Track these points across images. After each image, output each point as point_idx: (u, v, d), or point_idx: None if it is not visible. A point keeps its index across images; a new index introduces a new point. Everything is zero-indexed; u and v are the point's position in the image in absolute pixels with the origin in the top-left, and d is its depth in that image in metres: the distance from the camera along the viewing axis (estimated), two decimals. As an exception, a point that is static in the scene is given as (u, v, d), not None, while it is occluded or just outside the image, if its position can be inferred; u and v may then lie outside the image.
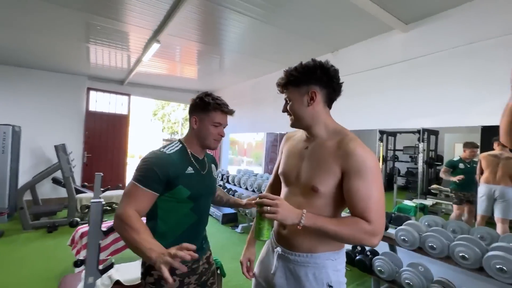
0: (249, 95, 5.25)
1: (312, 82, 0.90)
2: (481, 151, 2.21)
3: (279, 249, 0.94)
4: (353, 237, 0.79)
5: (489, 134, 2.11)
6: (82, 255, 2.24)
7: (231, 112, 1.11)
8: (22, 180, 4.14)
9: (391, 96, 2.70)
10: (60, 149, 3.52)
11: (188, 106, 1.12)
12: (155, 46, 3.09)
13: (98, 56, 4.08)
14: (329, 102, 0.95)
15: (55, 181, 4.01)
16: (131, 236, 0.81)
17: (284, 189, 1.02)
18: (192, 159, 1.07)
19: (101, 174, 1.87)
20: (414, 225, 2.09)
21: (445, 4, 2.19)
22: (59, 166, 3.50)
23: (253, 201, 0.89)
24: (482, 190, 2.19)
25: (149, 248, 0.77)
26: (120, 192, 4.16)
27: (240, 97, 5.58)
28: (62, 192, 4.81)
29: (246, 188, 4.16)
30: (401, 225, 2.15)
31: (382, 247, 2.36)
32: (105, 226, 1.11)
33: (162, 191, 0.97)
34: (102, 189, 1.94)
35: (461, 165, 2.35)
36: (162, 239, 0.91)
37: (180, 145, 1.08)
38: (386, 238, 2.24)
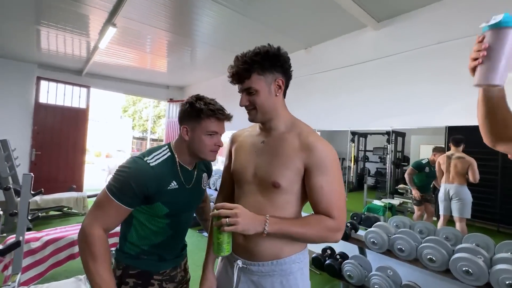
0: (221, 92, 5.01)
1: (277, 69, 0.82)
2: (447, 151, 2.23)
3: (239, 262, 0.83)
4: (319, 237, 0.76)
5: (453, 134, 2.14)
6: (10, 271, 1.87)
7: (228, 118, 0.97)
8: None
9: (363, 95, 2.66)
10: (-4, 145, 3.02)
11: (178, 112, 1.01)
12: (111, 31, 2.76)
13: (51, 41, 3.62)
14: (285, 91, 0.88)
15: (-9, 182, 3.46)
16: (88, 262, 0.78)
17: (238, 190, 0.90)
18: (179, 170, 0.95)
19: (31, 174, 1.55)
20: (383, 227, 2.04)
21: (416, 2, 2.17)
22: (-6, 165, 3.01)
23: (210, 214, 0.77)
24: (440, 190, 2.23)
25: (99, 286, 0.76)
26: (72, 194, 3.71)
27: (211, 94, 5.25)
28: (2, 196, 4.22)
29: (216, 189, 3.94)
30: (371, 226, 2.10)
31: (352, 249, 2.29)
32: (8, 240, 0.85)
33: (137, 205, 0.88)
34: (32, 192, 1.63)
35: (427, 169, 2.37)
36: (134, 247, 0.93)
37: (169, 153, 0.94)
38: (356, 241, 2.17)
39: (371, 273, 1.92)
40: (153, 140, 15.76)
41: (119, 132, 21.31)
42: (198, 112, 0.90)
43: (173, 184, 0.91)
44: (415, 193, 2.43)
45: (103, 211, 0.82)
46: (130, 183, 0.82)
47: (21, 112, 4.44)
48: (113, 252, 1.02)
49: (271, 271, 0.80)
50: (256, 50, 0.80)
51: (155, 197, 0.87)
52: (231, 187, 0.96)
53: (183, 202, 0.96)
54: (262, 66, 0.79)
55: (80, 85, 5.04)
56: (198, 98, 0.94)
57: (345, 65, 2.83)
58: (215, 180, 4.01)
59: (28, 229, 3.34)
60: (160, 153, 0.92)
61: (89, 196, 3.85)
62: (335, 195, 0.77)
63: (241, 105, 0.86)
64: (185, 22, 2.84)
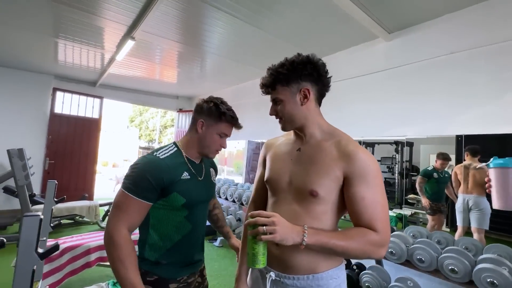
0: (230, 102, 5.03)
1: (303, 78, 0.82)
2: (457, 161, 2.22)
3: (272, 274, 0.79)
4: (362, 251, 0.71)
5: (466, 143, 2.13)
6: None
7: (239, 128, 1.09)
8: (-33, 189, 3.61)
9: (374, 105, 2.69)
10: (14, 155, 3.09)
11: (195, 106, 1.07)
12: (129, 44, 2.86)
13: (67, 53, 3.75)
14: (320, 99, 0.89)
15: (7, 190, 3.53)
16: (116, 266, 0.81)
17: (272, 199, 0.88)
18: (188, 163, 1.00)
19: (55, 181, 1.60)
20: (401, 237, 2.01)
21: (427, 14, 2.22)
22: (12, 173, 3.07)
23: (245, 223, 0.73)
24: (458, 200, 2.20)
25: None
26: (85, 203, 3.75)
27: (221, 104, 5.41)
28: (15, 204, 4.27)
29: (226, 198, 3.94)
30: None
31: (369, 260, 2.25)
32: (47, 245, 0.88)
33: (155, 199, 0.90)
34: (56, 199, 1.67)
35: (435, 175, 2.38)
36: (154, 251, 0.93)
37: (175, 148, 1.01)
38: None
39: (390, 284, 1.88)
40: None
41: (125, 142, 21.57)
42: (220, 114, 1.00)
43: (186, 175, 0.96)
44: (425, 201, 2.41)
45: (124, 211, 0.84)
46: (146, 176, 0.85)
47: (37, 122, 4.57)
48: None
49: (307, 286, 0.76)
50: (283, 61, 0.83)
51: (170, 187, 0.90)
52: (264, 196, 0.94)
53: (197, 193, 0.99)
54: (287, 76, 0.81)
55: (94, 96, 5.18)
56: (222, 102, 1.05)
57: (357, 75, 2.87)
58: (225, 189, 4.01)
59: (42, 237, 3.36)
60: (167, 149, 0.99)
61: (101, 205, 3.88)
62: (378, 207, 0.73)
63: (270, 115, 0.88)
64: (196, 32, 2.88)
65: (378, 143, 2.94)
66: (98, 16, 2.56)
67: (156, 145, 16.11)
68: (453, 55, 2.12)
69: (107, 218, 4.11)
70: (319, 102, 0.88)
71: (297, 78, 0.81)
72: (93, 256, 2.23)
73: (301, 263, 0.76)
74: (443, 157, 2.33)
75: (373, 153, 3.05)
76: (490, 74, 1.93)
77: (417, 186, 2.46)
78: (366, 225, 0.72)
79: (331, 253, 0.74)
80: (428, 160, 2.55)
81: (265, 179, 0.91)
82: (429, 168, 2.42)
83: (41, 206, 3.47)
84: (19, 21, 2.75)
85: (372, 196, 0.73)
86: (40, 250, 0.80)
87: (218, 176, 5.57)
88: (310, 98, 0.83)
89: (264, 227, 0.66)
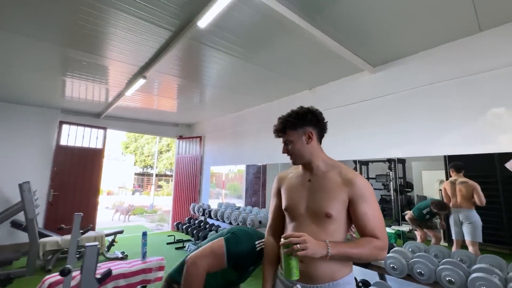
0: (230, 128, 5.35)
1: (306, 124, 1.07)
2: (446, 178, 2.41)
3: (298, 286, 0.95)
4: (371, 255, 0.92)
5: (450, 162, 2.33)
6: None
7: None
8: (-28, 225, 3.62)
9: (365, 130, 2.94)
10: (26, 189, 3.19)
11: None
12: (140, 82, 3.12)
13: (74, 90, 3.96)
14: (320, 139, 1.14)
15: (15, 224, 3.56)
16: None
17: (292, 223, 1.05)
18: None
19: (81, 214, 1.72)
20: (400, 252, 2.16)
21: (405, 51, 2.56)
22: (22, 207, 3.14)
23: (280, 243, 0.89)
24: (452, 216, 2.34)
25: None
26: (91, 234, 3.78)
27: (220, 130, 5.66)
28: (19, 237, 4.26)
29: (230, 223, 4.03)
30: (388, 252, 2.21)
31: (372, 276, 2.37)
32: (98, 272, 0.99)
33: None
34: (81, 230, 1.77)
35: (427, 216, 2.49)
36: None
37: None
38: (375, 267, 2.27)
39: (395, 299, 2.00)
40: (155, 174, 15.78)
41: (121, 169, 21.40)
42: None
43: None
44: (421, 233, 2.53)
45: None
46: None
47: (43, 154, 4.69)
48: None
49: None
50: (290, 112, 1.10)
51: None
52: (280, 221, 1.14)
53: None
54: (294, 123, 1.07)
55: (98, 127, 5.37)
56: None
57: (347, 103, 3.16)
58: (229, 213, 4.10)
59: (48, 271, 3.37)
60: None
61: (107, 235, 3.91)
62: (377, 220, 0.95)
63: (282, 153, 1.11)
64: (195, 68, 3.07)
65: (372, 161, 3.13)
66: (105, 57, 2.78)
67: (155, 171, 15.97)
68: (431, 85, 2.43)
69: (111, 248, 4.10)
70: (320, 141, 1.13)
71: (302, 124, 1.06)
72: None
73: (322, 273, 0.94)
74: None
75: (367, 171, 3.23)
76: (463, 102, 2.22)
77: (407, 219, 2.54)
78: (370, 234, 0.93)
79: (348, 259, 0.94)
80: (420, 176, 2.69)
81: (283, 207, 1.09)
82: (424, 211, 2.48)
83: (48, 238, 3.50)
84: (31, 64, 2.98)
85: (371, 212, 0.95)
86: (97, 276, 0.95)
87: (216, 200, 5.66)
88: (313, 138, 1.07)
89: (298, 245, 0.83)
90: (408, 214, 2.60)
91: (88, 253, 0.93)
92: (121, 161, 23.08)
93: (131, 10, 1.96)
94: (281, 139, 1.11)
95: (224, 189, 5.53)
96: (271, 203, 1.21)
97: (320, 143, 1.12)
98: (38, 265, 3.36)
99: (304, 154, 1.06)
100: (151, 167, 22.97)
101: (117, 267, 2.30)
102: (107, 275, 0.99)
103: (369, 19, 2.03)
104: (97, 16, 2.04)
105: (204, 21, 1.87)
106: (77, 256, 1.95)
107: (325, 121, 1.12)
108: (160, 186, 20.07)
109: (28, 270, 3.10)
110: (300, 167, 1.14)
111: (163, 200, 14.66)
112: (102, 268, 2.49)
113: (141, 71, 3.07)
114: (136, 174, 23.55)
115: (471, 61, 2.20)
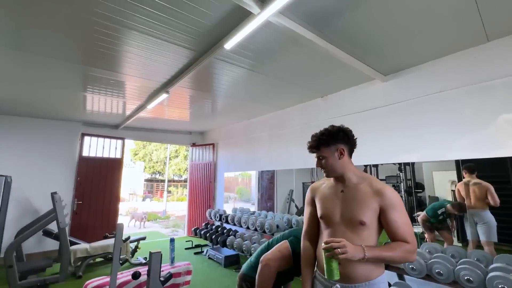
0: (242, 135, 5.51)
1: (338, 141, 1.21)
2: (458, 180, 2.47)
3: (338, 285, 1.08)
4: (403, 258, 1.03)
5: (467, 163, 2.40)
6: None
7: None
8: (6, 234, 3.86)
9: (378, 135, 3.05)
10: (58, 199, 3.40)
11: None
12: (163, 96, 3.32)
13: (94, 104, 4.16)
14: (351, 154, 1.27)
15: (46, 233, 3.77)
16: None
17: (326, 230, 1.18)
18: None
19: (122, 223, 1.89)
20: (419, 253, 2.26)
21: (415, 60, 2.67)
22: (55, 216, 3.35)
23: (322, 247, 1.03)
24: (466, 216, 2.40)
25: None
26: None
27: (233, 137, 5.82)
28: (48, 245, 4.49)
29: (248, 227, 4.17)
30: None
31: (391, 277, 2.47)
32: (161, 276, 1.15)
33: None
34: (123, 239, 1.93)
35: (441, 217, 2.54)
36: None
37: None
38: (395, 268, 2.37)
39: (415, 298, 2.10)
40: (163, 181, 16.02)
41: (130, 176, 21.79)
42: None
43: None
44: (429, 236, 2.58)
45: None
46: None
47: (67, 166, 4.94)
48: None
49: None
50: (323, 131, 1.24)
51: None
52: (315, 227, 1.27)
53: None
54: (326, 141, 1.21)
55: (116, 138, 5.61)
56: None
57: (359, 110, 3.29)
58: (246, 219, 4.24)
59: (79, 277, 3.56)
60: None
61: (130, 241, 4.10)
62: (407, 226, 1.07)
63: (316, 167, 1.25)
64: (206, 80, 3.19)
65: (382, 164, 3.24)
66: (125, 74, 2.93)
67: (166, 178, 16.16)
68: (441, 93, 2.54)
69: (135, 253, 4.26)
70: (350, 155, 1.26)
71: (334, 141, 1.21)
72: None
73: (359, 274, 1.06)
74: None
75: (377, 172, 3.32)
76: (473, 108, 2.33)
77: (420, 223, 2.57)
78: (401, 239, 1.05)
79: (383, 261, 1.06)
80: (431, 177, 2.76)
81: (319, 215, 1.22)
82: (439, 211, 2.51)
83: (78, 246, 3.70)
84: (55, 82, 3.17)
85: (401, 219, 1.07)
86: (161, 279, 1.10)
87: (227, 204, 5.82)
88: (344, 154, 1.21)
89: (339, 249, 0.96)
90: (421, 215, 2.67)
91: (154, 259, 1.08)
92: (131, 168, 23.50)
93: (152, 32, 2.09)
94: (313, 154, 1.25)
95: (233, 193, 5.67)
96: (305, 211, 1.34)
97: (351, 158, 1.25)
98: (69, 271, 3.56)
99: (337, 168, 1.19)
100: (160, 173, 23.32)
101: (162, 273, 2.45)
102: (169, 278, 1.14)
103: (376, 30, 2.12)
104: (118, 38, 2.18)
105: (230, 44, 2.04)
106: (121, 262, 2.11)
107: (355, 138, 1.25)
108: (169, 192, 20.34)
109: (61, 276, 3.28)
110: (332, 178, 1.27)
111: (174, 206, 14.89)
112: (125, 275, 2.63)
113: (164, 87, 3.26)
114: (145, 180, 23.94)
115: (480, 70, 2.31)
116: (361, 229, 1.08)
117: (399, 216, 1.07)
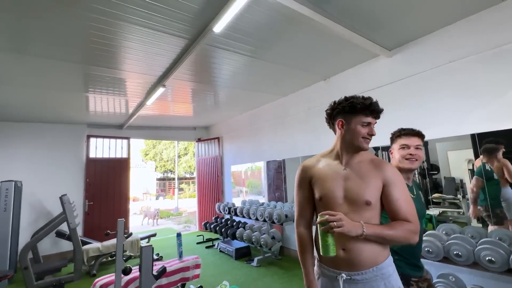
0: (247, 126, 5.42)
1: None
2: (475, 157, 2.32)
3: (343, 274, 0.97)
4: (404, 238, 0.94)
5: (480, 140, 2.25)
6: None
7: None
8: (22, 238, 3.95)
9: (386, 115, 2.87)
10: (66, 201, 3.44)
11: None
12: (160, 90, 3.25)
13: (97, 104, 4.17)
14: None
15: (59, 234, 3.85)
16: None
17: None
18: None
19: (123, 220, 1.86)
20: (434, 235, 2.14)
21: (421, 30, 2.49)
22: (65, 218, 3.40)
23: (317, 221, 0.93)
24: None
25: None
26: (129, 238, 4.00)
27: (237, 129, 5.74)
28: (64, 246, 4.60)
29: (257, 219, 4.12)
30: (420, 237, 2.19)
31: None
32: (155, 269, 1.09)
33: None
34: (125, 235, 1.91)
35: (495, 175, 2.17)
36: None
37: None
38: (409, 252, 2.25)
39: (433, 281, 1.99)
40: (177, 178, 16.23)
41: (142, 176, 22.23)
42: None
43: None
44: (473, 211, 2.26)
45: None
46: None
47: (76, 168, 5.01)
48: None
49: (374, 276, 0.95)
50: (372, 98, 1.21)
51: None
52: (311, 212, 1.13)
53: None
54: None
55: (122, 138, 5.63)
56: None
57: (364, 90, 3.12)
58: (255, 210, 4.19)
59: (93, 275, 3.62)
60: None
61: (141, 238, 4.13)
62: (409, 205, 0.99)
63: (368, 135, 1.09)
64: (206, 71, 3.11)
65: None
66: (123, 70, 2.91)
67: (177, 176, 16.37)
68: (452, 63, 2.35)
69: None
70: None
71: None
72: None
73: (366, 259, 0.96)
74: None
75: (388, 156, 3.18)
76: (488, 77, 2.14)
77: (471, 191, 2.23)
78: (403, 218, 0.96)
79: (383, 241, 0.95)
80: (446, 157, 2.62)
81: (318, 197, 1.07)
82: (488, 168, 2.16)
83: (90, 245, 3.76)
84: (53, 84, 3.17)
85: (403, 197, 0.99)
86: (154, 273, 1.04)
87: (237, 198, 5.77)
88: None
89: (334, 222, 0.87)
90: (473, 180, 2.25)
91: (145, 253, 1.02)
92: (142, 168, 23.97)
93: (144, 22, 2.05)
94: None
95: (244, 187, 5.62)
96: (296, 194, 1.16)
97: None
98: (83, 270, 3.62)
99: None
100: (171, 171, 23.66)
101: (157, 267, 2.45)
102: (162, 272, 1.09)
103: (378, 2, 1.98)
104: (113, 32, 2.15)
105: (219, 26, 1.93)
106: (124, 259, 2.10)
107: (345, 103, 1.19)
108: (181, 189, 20.64)
109: (76, 276, 3.34)
110: (327, 155, 1.15)
111: (186, 202, 15.10)
112: (134, 272, 2.66)
113: (160, 80, 3.20)
114: (157, 179, 24.39)
115: (493, 34, 2.11)
116: (365, 209, 0.98)
117: (401, 194, 0.99)
